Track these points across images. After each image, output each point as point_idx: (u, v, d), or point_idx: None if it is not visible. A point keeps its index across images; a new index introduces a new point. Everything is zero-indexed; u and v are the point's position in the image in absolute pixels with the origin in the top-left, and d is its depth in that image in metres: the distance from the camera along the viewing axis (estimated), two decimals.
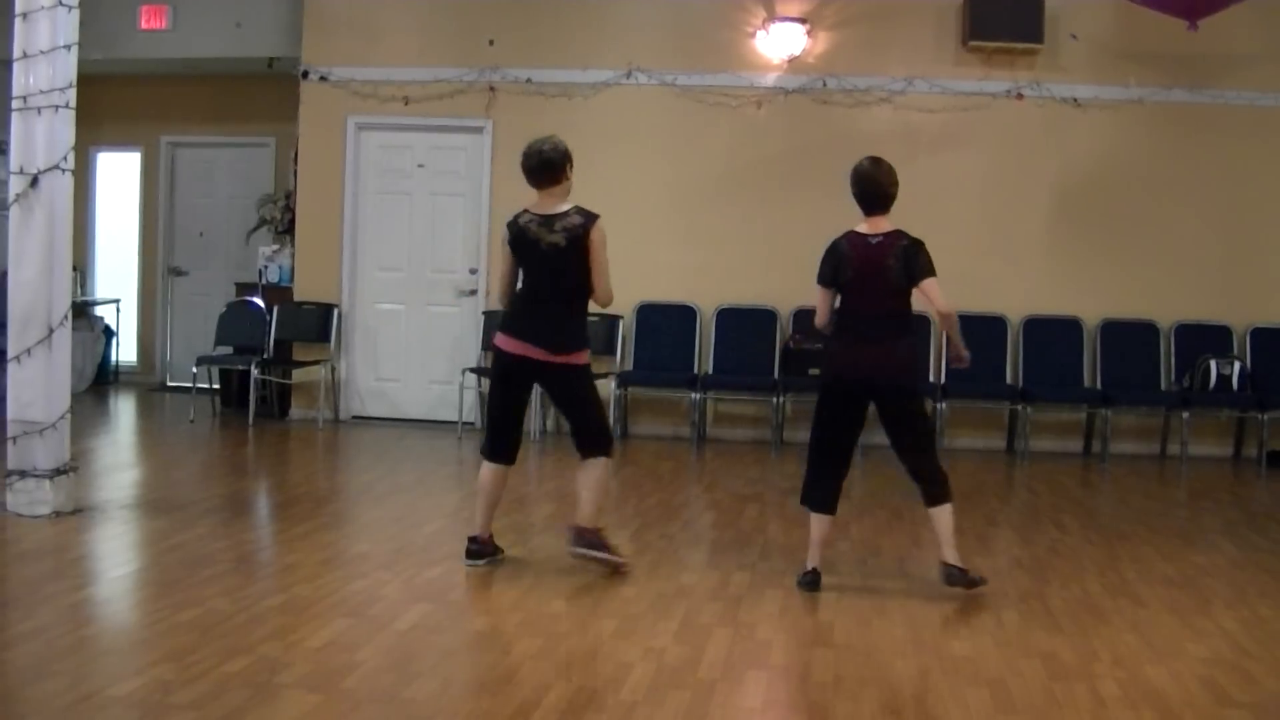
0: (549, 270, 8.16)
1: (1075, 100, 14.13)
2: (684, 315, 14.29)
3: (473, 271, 14.75)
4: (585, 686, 5.94)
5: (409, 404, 14.97)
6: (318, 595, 7.40)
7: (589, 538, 8.22)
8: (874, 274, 7.90)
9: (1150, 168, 14.13)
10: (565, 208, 8.17)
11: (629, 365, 14.28)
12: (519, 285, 8.37)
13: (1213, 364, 13.63)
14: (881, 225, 8.04)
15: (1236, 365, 13.68)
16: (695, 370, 14.20)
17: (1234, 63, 14.04)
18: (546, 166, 8.17)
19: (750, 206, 14.24)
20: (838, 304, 8.10)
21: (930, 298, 7.86)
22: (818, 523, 8.07)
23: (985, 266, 14.01)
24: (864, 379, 7.93)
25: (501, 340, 8.23)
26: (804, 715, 5.80)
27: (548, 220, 8.13)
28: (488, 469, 8.36)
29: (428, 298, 14.96)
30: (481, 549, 8.34)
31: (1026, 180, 14.17)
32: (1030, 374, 14.00)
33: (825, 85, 14.28)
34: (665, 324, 14.30)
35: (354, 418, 15.00)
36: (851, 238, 8.05)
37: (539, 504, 10.78)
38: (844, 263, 7.96)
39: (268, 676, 5.87)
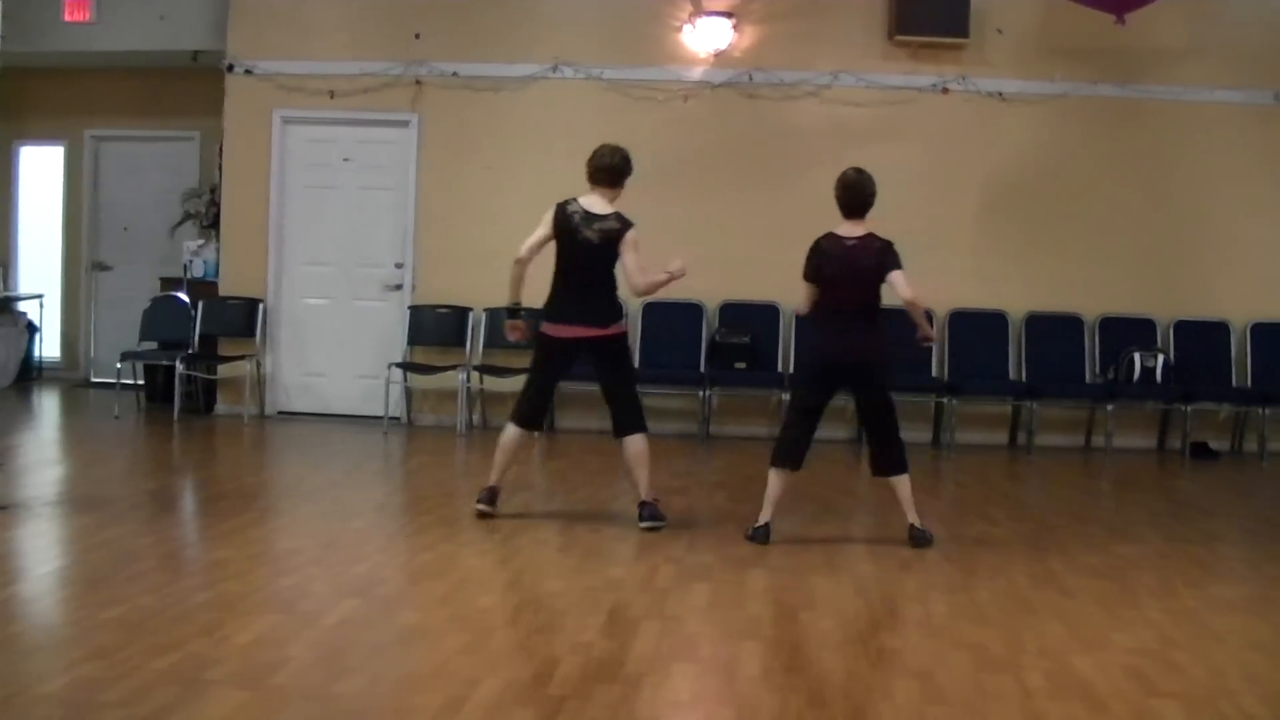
0: (582, 261, 9.23)
1: (1001, 95, 14.21)
2: None
3: (399, 266, 14.71)
4: (513, 681, 5.93)
5: (336, 399, 14.92)
6: (246, 591, 7.35)
7: (653, 510, 9.35)
8: (850, 272, 8.82)
9: (1076, 162, 14.23)
10: (608, 211, 9.26)
11: None
12: (553, 272, 9.40)
13: (1137, 357, 13.74)
14: (858, 229, 8.92)
15: (1161, 358, 13.80)
16: None
17: (1160, 57, 14.15)
18: (615, 172, 9.32)
19: (677, 201, 14.23)
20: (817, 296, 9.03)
21: (897, 287, 8.79)
22: (781, 479, 8.93)
23: (910, 260, 13.89)
24: (848, 362, 8.87)
25: (554, 329, 9.32)
26: (732, 708, 5.79)
27: (589, 218, 9.21)
28: (517, 432, 9.47)
29: (354, 292, 14.91)
30: (493, 497, 9.45)
31: (952, 174, 14.24)
32: (956, 367, 14.07)
33: (752, 79, 14.31)
34: None
35: (280, 413, 14.93)
36: (831, 239, 8.94)
37: (467, 498, 10.75)
38: (824, 261, 8.86)
39: (196, 673, 5.82)
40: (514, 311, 9.51)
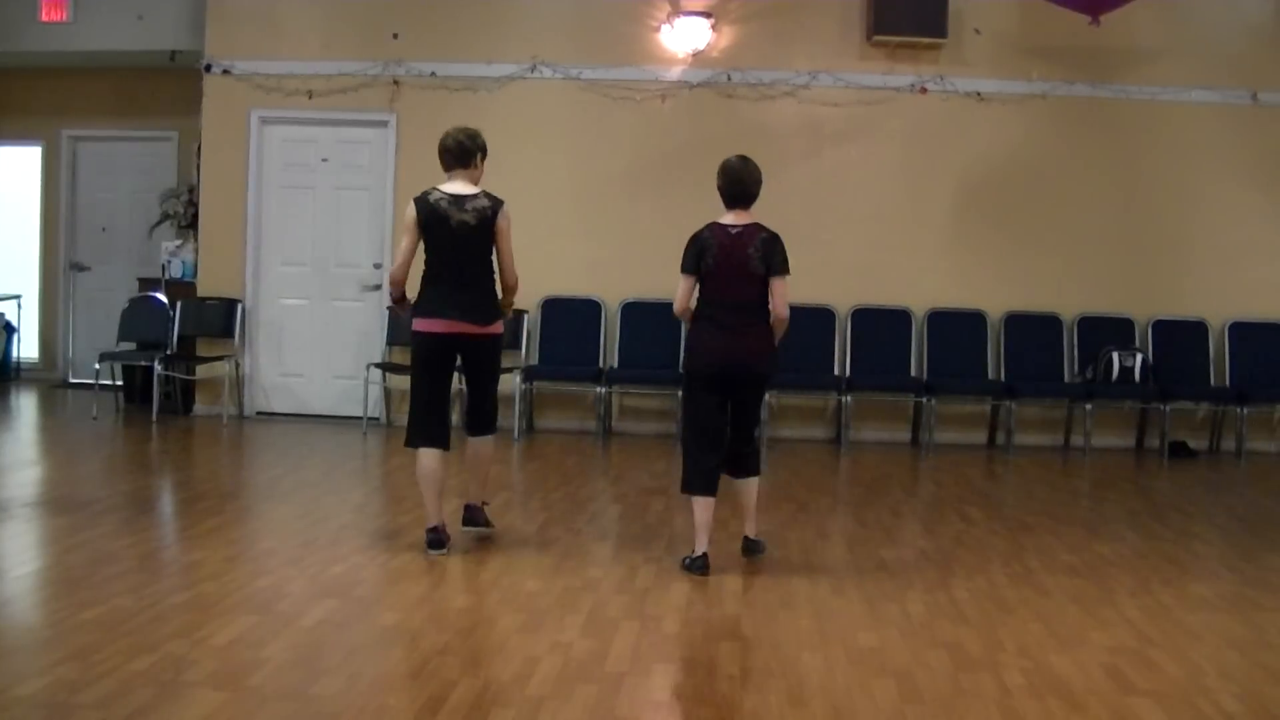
0: (459, 248, 8.50)
1: (979, 94, 14.24)
2: (589, 309, 14.30)
3: (377, 266, 14.69)
4: (492, 681, 5.93)
5: (314, 399, 14.90)
6: (223, 592, 7.34)
7: (476, 515, 8.98)
8: (735, 262, 8.24)
9: (1054, 162, 14.26)
10: (474, 191, 8.57)
11: (534, 359, 14.27)
12: (424, 268, 8.66)
13: (1115, 356, 13.77)
14: (743, 217, 8.40)
15: (1138, 357, 13.83)
16: (600, 364, 14.19)
17: (1135, 57, 14.19)
18: (461, 150, 8.63)
19: (655, 200, 14.24)
20: (697, 293, 8.43)
21: (774, 296, 8.25)
22: (704, 507, 8.28)
23: (889, 259, 14.10)
24: (727, 365, 8.24)
25: (426, 324, 8.58)
26: (711, 708, 5.79)
27: (457, 200, 8.50)
28: (427, 455, 8.67)
29: (332, 292, 14.90)
30: (440, 536, 8.53)
31: (930, 174, 14.27)
32: (934, 367, 14.09)
33: (730, 79, 14.32)
34: (570, 318, 14.30)
35: (259, 413, 14.91)
36: (714, 228, 8.41)
37: (445, 499, 10.74)
38: (706, 251, 8.31)
39: (173, 675, 5.82)
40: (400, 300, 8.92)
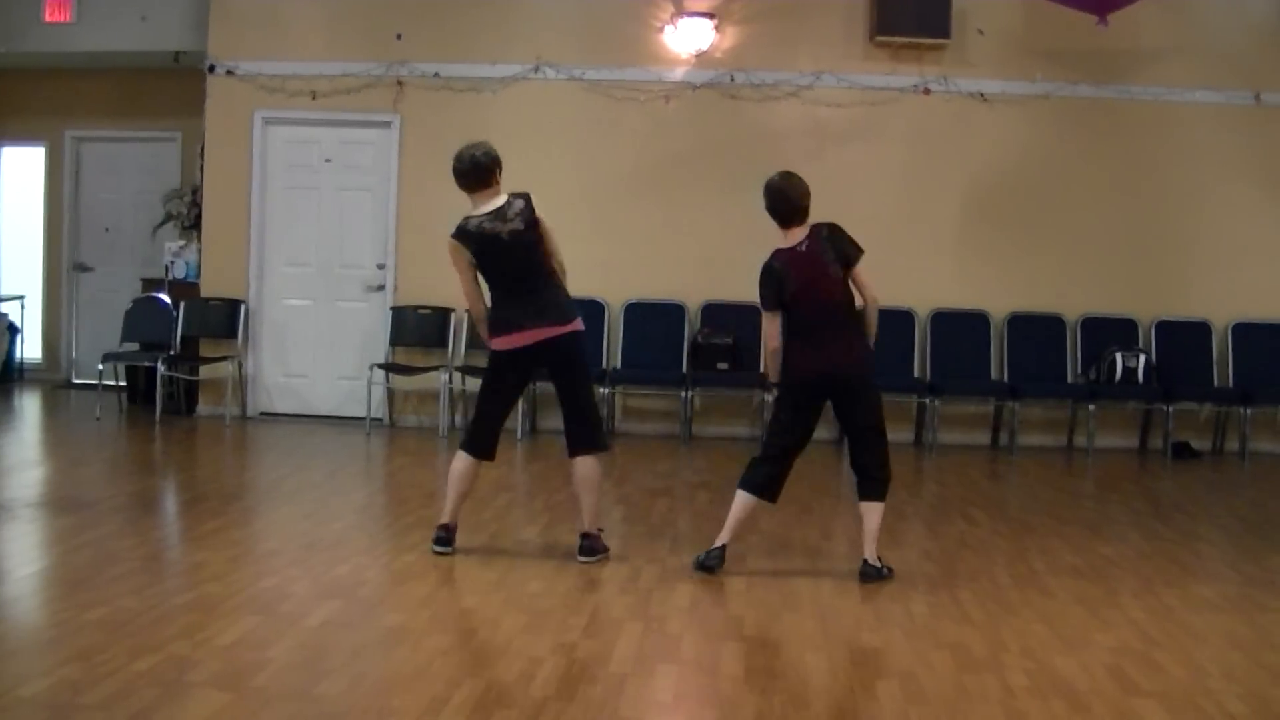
0: (519, 256, 8.31)
1: (982, 95, 14.23)
2: (592, 310, 14.22)
3: (380, 267, 14.70)
4: (496, 682, 5.93)
5: (317, 400, 14.90)
6: (227, 593, 7.34)
7: (593, 543, 8.49)
8: (818, 278, 8.03)
9: (1057, 162, 14.26)
10: (502, 199, 8.37)
11: None
12: (490, 293, 8.48)
13: (1119, 357, 13.76)
14: (800, 233, 8.14)
15: (1142, 358, 13.82)
16: (604, 365, 14.17)
17: (1139, 58, 14.18)
18: (477, 170, 8.37)
19: (658, 201, 14.25)
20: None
21: (861, 285, 8.16)
22: (743, 505, 8.20)
23: (892, 260, 14.05)
24: (829, 375, 8.08)
25: (504, 341, 8.34)
26: (715, 709, 5.80)
27: (497, 214, 8.30)
28: (467, 461, 8.51)
29: (336, 293, 14.89)
30: (448, 535, 8.47)
31: (933, 175, 14.26)
32: (938, 367, 14.08)
33: (733, 80, 14.32)
34: None
35: (262, 414, 14.91)
36: (782, 255, 8.13)
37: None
38: (785, 282, 8.04)
39: (177, 675, 5.82)
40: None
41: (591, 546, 8.44)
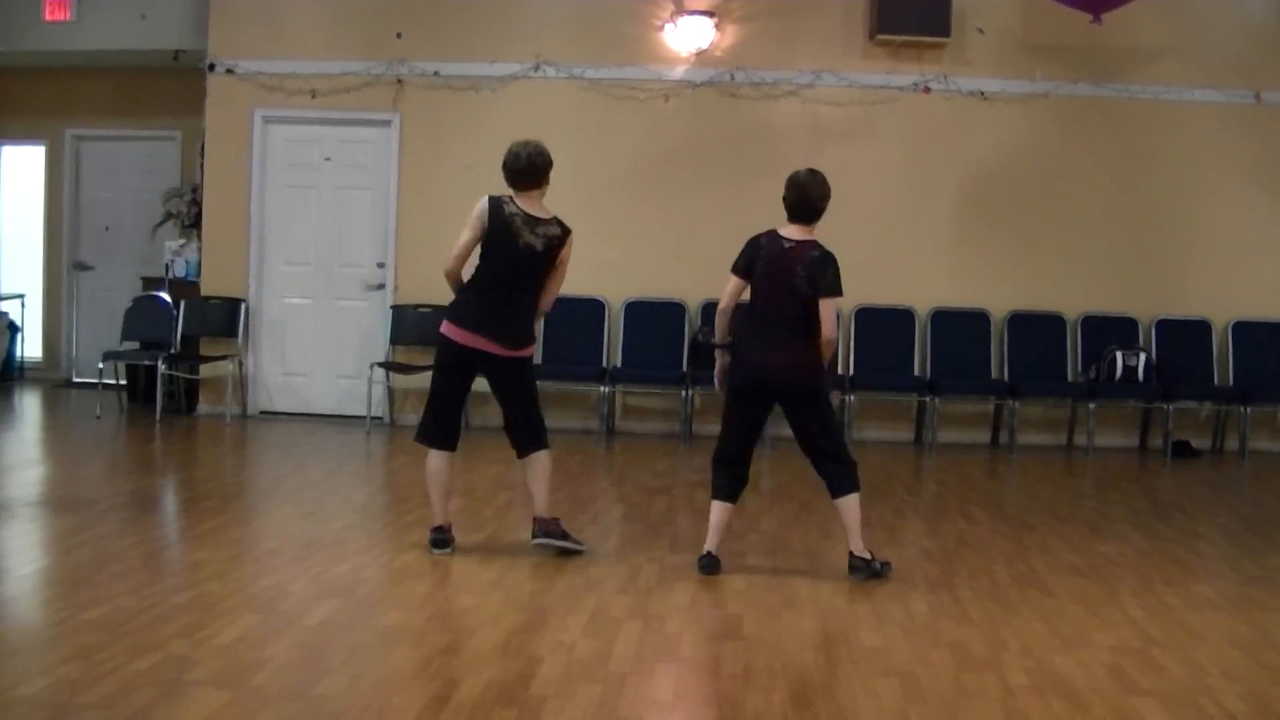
0: (517, 268, 8.33)
1: (982, 93, 14.24)
2: (592, 309, 14.28)
3: (380, 265, 14.70)
4: (495, 681, 5.93)
5: (317, 399, 14.91)
6: (226, 592, 7.34)
7: (549, 527, 8.53)
8: (780, 277, 8.06)
9: (1057, 161, 14.26)
10: (548, 216, 8.42)
11: (537, 359, 14.17)
12: (473, 272, 8.49)
13: (1119, 355, 13.76)
14: (801, 233, 8.15)
15: (1142, 356, 13.82)
16: (604, 363, 14.18)
17: (1138, 56, 14.18)
18: (531, 170, 8.40)
19: (658, 199, 14.26)
20: (744, 299, 8.29)
21: (823, 318, 8.03)
22: (718, 510, 8.28)
23: (892, 259, 14.09)
24: (770, 381, 8.14)
25: (452, 331, 8.39)
26: (714, 707, 5.80)
27: (531, 221, 8.32)
28: (437, 457, 8.55)
29: (335, 292, 14.89)
30: (445, 536, 8.51)
31: (933, 173, 14.27)
32: (938, 366, 14.08)
33: (733, 79, 14.32)
34: (573, 317, 14.23)
35: (262, 413, 14.92)
36: (772, 236, 8.19)
37: (449, 498, 10.76)
38: (758, 257, 8.13)
39: (176, 674, 5.82)
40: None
41: (548, 530, 8.54)
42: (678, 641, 6.77)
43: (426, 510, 9.16)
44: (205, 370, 14.89)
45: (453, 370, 8.53)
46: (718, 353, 8.57)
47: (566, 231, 8.45)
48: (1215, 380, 14.20)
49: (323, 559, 8.21)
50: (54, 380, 17.32)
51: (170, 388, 14.80)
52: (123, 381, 15.26)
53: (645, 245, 14.26)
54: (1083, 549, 9.12)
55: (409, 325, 14.44)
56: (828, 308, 8.01)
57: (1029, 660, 6.46)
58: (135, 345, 14.99)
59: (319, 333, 14.90)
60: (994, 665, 6.37)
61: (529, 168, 8.38)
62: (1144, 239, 14.27)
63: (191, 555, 8.39)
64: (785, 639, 6.83)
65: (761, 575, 8.16)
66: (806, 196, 8.16)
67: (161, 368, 14.31)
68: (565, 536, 8.53)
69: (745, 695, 5.86)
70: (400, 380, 14.39)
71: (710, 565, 8.17)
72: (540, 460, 8.62)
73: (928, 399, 13.89)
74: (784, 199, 8.23)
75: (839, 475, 8.20)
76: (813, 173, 8.26)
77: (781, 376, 8.09)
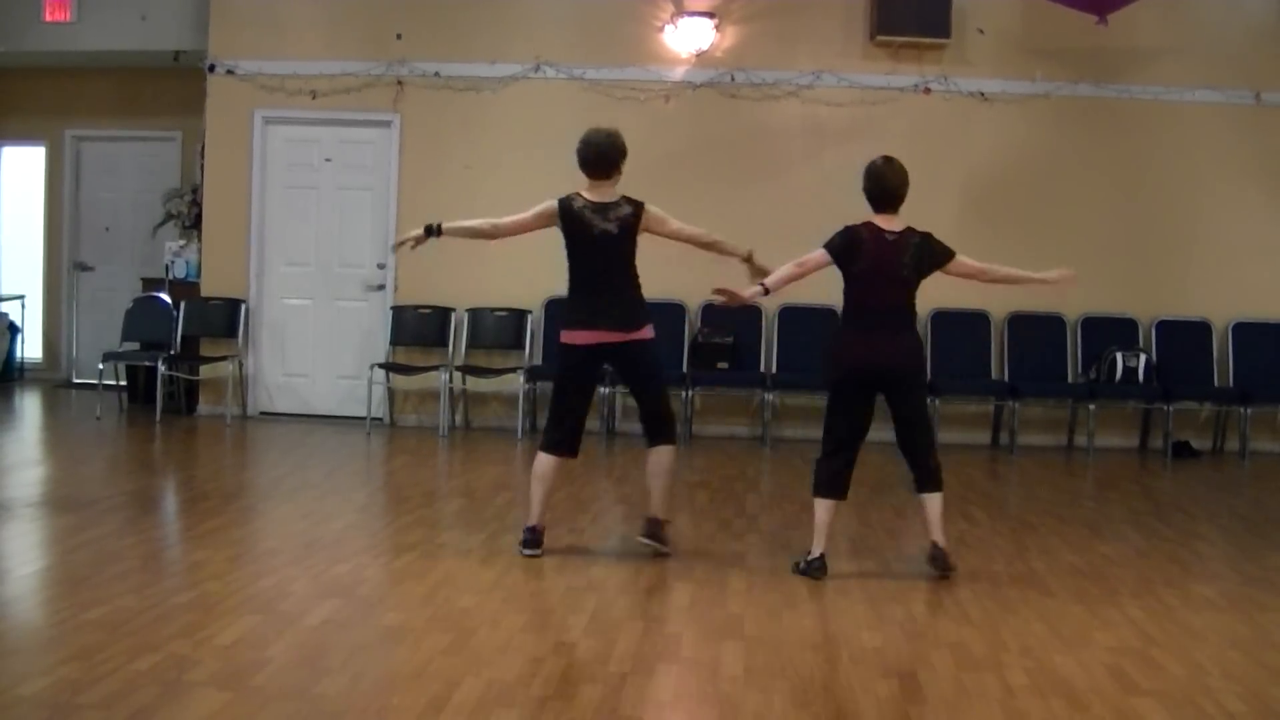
0: (602, 256, 8.49)
1: (982, 94, 14.24)
2: None
3: (381, 266, 14.70)
4: (496, 681, 5.92)
5: (317, 399, 14.91)
6: (226, 592, 7.34)
7: (654, 530, 8.65)
8: (887, 269, 8.11)
9: (1057, 162, 14.25)
10: (615, 198, 8.54)
11: (538, 360, 14.23)
12: (569, 277, 8.57)
13: (1119, 356, 13.76)
14: (896, 222, 8.24)
15: (1142, 357, 13.83)
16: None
17: (1140, 57, 14.18)
18: (602, 161, 8.51)
19: (657, 200, 14.04)
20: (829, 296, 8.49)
21: (973, 267, 8.42)
22: (825, 509, 8.24)
23: None
24: (879, 369, 8.13)
25: (572, 335, 8.45)
26: (714, 708, 5.80)
27: (601, 208, 8.45)
28: (549, 460, 8.55)
29: (336, 292, 14.89)
30: (537, 538, 8.46)
31: (933, 174, 14.20)
32: (938, 366, 14.03)
33: (733, 79, 14.32)
34: None
35: (262, 413, 14.91)
36: (871, 229, 8.22)
37: (449, 498, 10.76)
38: (858, 250, 8.16)
39: (177, 674, 5.82)
40: (431, 229, 8.96)
41: (653, 532, 8.59)
42: (678, 642, 6.76)
43: (427, 511, 9.20)
44: (205, 371, 14.89)
45: (577, 374, 8.55)
46: (751, 293, 8.59)
47: (639, 206, 8.57)
48: (1215, 381, 14.19)
49: (323, 559, 8.20)
50: (54, 381, 17.32)
51: (170, 388, 14.80)
52: (123, 382, 15.26)
53: (645, 246, 14.17)
54: (1083, 549, 9.12)
55: (409, 326, 14.45)
56: (964, 261, 8.35)
57: (1029, 660, 6.45)
58: (135, 346, 15.00)
59: (319, 333, 14.90)
60: (994, 665, 6.37)
61: (598, 158, 8.50)
62: (1144, 239, 14.27)
63: (192, 555, 8.39)
64: (785, 639, 6.82)
65: (761, 575, 8.15)
66: (885, 185, 8.32)
67: (162, 368, 14.31)
68: (665, 542, 8.60)
69: (745, 695, 5.86)
70: (400, 381, 14.39)
71: (821, 569, 8.14)
72: (660, 455, 8.69)
73: (928, 399, 13.87)
74: (864, 190, 8.37)
75: (926, 470, 8.34)
76: (888, 160, 8.43)
77: (892, 363, 8.12)
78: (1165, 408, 13.75)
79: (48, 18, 15.40)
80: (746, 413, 14.28)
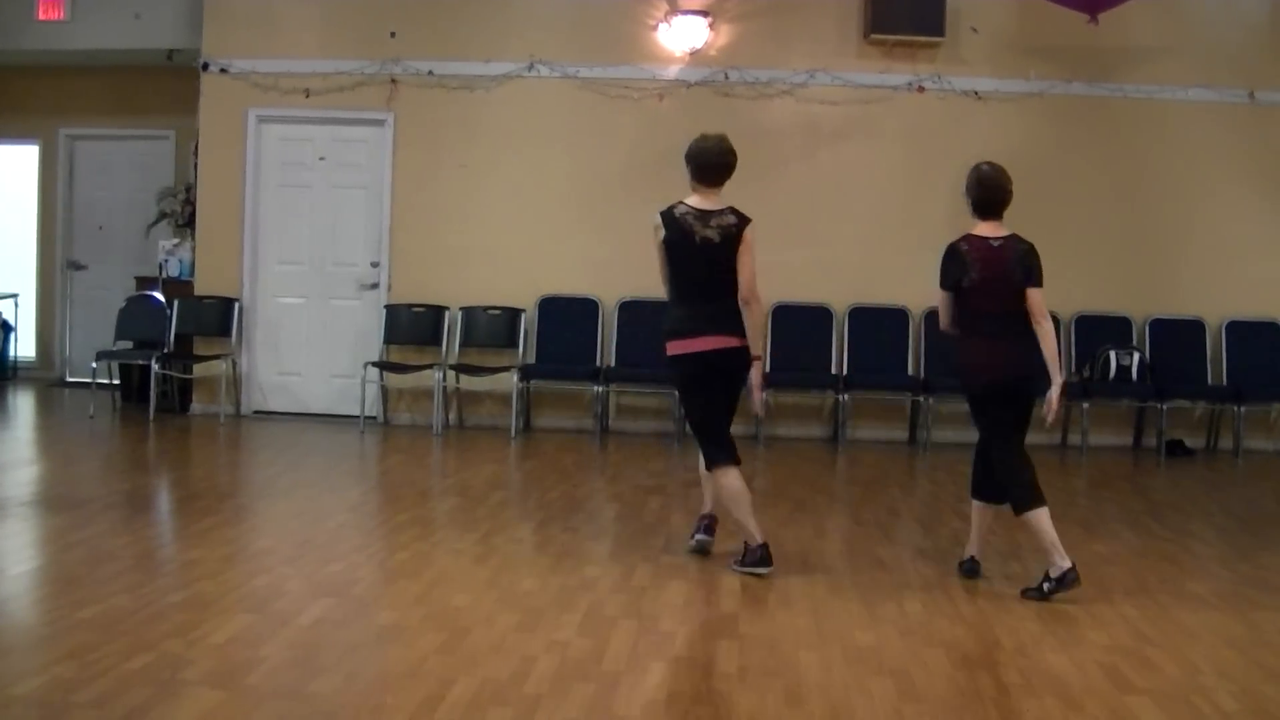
0: (705, 263, 8.23)
1: (976, 93, 14.24)
2: (586, 308, 14.28)
3: (375, 265, 14.69)
4: (489, 680, 5.92)
5: (311, 398, 14.89)
6: (220, 591, 7.34)
7: (713, 528, 8.74)
8: (1000, 277, 7.98)
9: (1051, 161, 14.22)
10: (721, 207, 8.30)
11: (531, 358, 14.24)
12: (672, 289, 8.47)
13: (1112, 355, 13.78)
14: (999, 229, 8.11)
15: (1136, 356, 13.83)
16: (598, 363, 14.18)
17: (1133, 56, 14.19)
18: (715, 170, 8.35)
19: (652, 199, 13.98)
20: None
21: (1038, 307, 7.99)
22: (982, 511, 8.30)
23: (887, 259, 14.08)
24: (1019, 375, 8.05)
25: (683, 345, 8.27)
26: (708, 706, 5.79)
27: (704, 215, 8.24)
28: (732, 475, 8.32)
29: (329, 291, 14.89)
30: (768, 553, 8.16)
31: (927, 172, 14.24)
32: (933, 365, 14.06)
33: (727, 78, 14.32)
34: (567, 317, 14.28)
35: (256, 412, 14.90)
36: (972, 240, 8.10)
37: (443, 497, 10.76)
38: (966, 267, 8.04)
39: (170, 674, 5.81)
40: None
41: (709, 527, 8.69)
42: (672, 640, 6.77)
43: (420, 510, 9.20)
44: (199, 370, 14.88)
45: (702, 382, 8.37)
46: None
47: (744, 220, 8.26)
48: (1209, 379, 14.20)
49: (317, 558, 8.20)
50: (47, 379, 17.32)
51: (164, 387, 14.78)
52: (116, 381, 15.27)
53: (639, 245, 14.02)
54: (1076, 548, 9.07)
55: (403, 325, 14.44)
56: (1038, 296, 7.98)
57: (1023, 659, 6.45)
58: (129, 345, 14.99)
59: (313, 332, 14.89)
60: (988, 664, 6.37)
61: (709, 168, 8.37)
62: (1138, 238, 14.28)
63: (185, 554, 8.38)
64: (779, 638, 6.82)
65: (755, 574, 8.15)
66: (995, 190, 8.13)
67: (155, 367, 14.29)
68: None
69: (739, 694, 5.86)
70: (394, 380, 14.39)
71: (973, 570, 8.20)
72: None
73: (922, 398, 13.88)
74: (969, 196, 8.20)
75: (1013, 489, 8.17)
76: (994, 165, 8.20)
77: (1026, 372, 8.05)
78: (1159, 406, 13.75)
79: (41, 16, 15.39)
80: (743, 412, 14.22)
